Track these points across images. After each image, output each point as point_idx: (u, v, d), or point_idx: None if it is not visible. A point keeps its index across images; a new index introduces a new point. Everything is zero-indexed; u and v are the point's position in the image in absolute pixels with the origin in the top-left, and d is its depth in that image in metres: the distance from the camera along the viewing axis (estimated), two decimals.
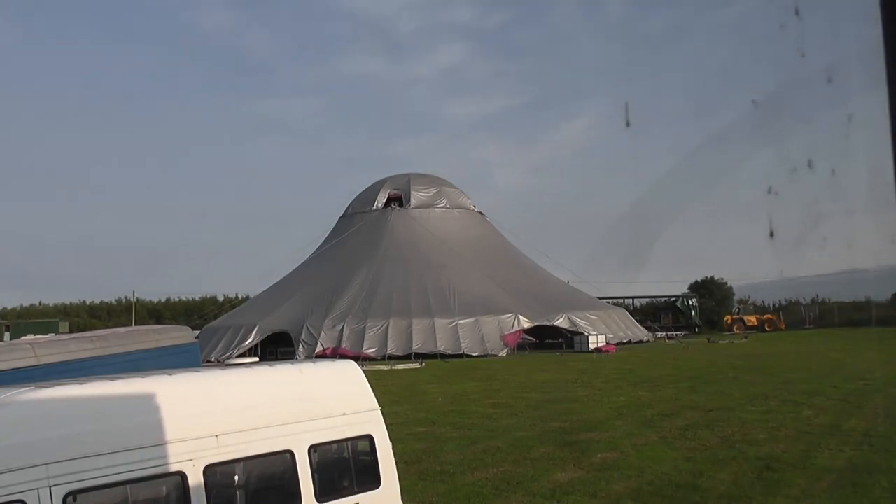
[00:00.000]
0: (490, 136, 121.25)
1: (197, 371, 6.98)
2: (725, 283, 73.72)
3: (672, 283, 69.62)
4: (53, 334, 27.23)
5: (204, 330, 48.60)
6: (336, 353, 40.09)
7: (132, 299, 79.12)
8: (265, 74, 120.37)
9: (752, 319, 64.76)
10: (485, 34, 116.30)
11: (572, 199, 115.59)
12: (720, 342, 50.51)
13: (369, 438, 6.65)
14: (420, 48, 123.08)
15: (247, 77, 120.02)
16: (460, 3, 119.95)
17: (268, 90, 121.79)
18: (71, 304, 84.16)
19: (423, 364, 37.86)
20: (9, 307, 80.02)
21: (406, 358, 40.89)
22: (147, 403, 5.52)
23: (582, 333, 46.00)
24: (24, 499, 4.63)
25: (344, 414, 6.51)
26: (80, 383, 5.54)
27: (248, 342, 46.18)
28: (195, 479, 5.40)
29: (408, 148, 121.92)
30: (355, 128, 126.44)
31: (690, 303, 68.96)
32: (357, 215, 57.52)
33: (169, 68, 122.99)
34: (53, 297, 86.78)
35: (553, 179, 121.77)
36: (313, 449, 6.18)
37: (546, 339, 48.25)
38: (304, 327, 45.08)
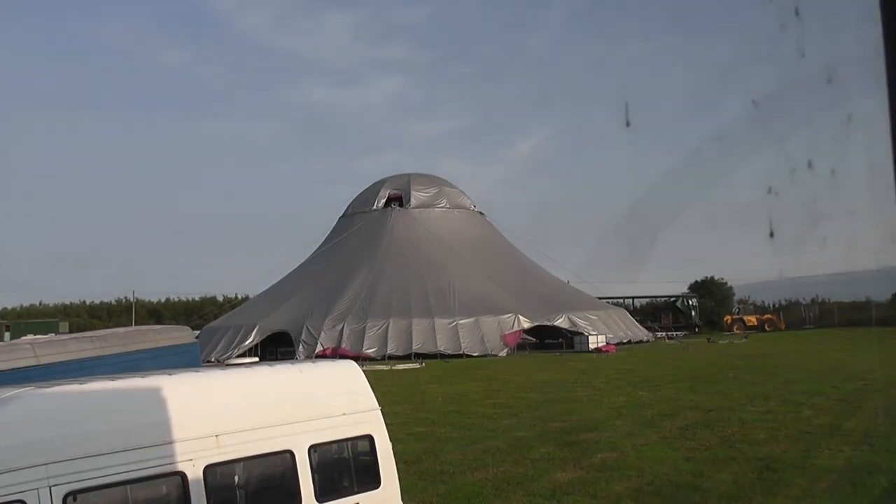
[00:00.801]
0: (451, 152, 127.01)
1: (197, 371, 6.98)
2: (725, 283, 73.71)
3: (672, 283, 69.64)
4: (53, 334, 27.22)
5: (204, 330, 48.58)
6: (336, 353, 40.07)
7: (132, 299, 79.18)
8: (227, 101, 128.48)
9: (752, 319, 64.70)
10: (422, 66, 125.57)
11: (553, 203, 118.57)
12: (720, 342, 50.48)
13: (369, 438, 6.65)
14: (365, 80, 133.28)
15: (209, 101, 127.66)
16: (395, 42, 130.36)
17: (233, 115, 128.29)
18: (71, 304, 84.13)
19: (423, 364, 37.85)
20: (9, 307, 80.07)
21: (406, 358, 40.88)
22: (147, 403, 5.52)
23: (582, 333, 45.98)
24: (25, 499, 4.63)
25: (344, 414, 6.51)
26: (80, 383, 5.54)
27: (248, 342, 46.16)
28: (195, 479, 5.40)
29: (373, 164, 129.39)
30: (319, 147, 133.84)
31: (690, 303, 68.91)
32: (357, 215, 57.50)
33: (147, 87, 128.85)
34: (53, 297, 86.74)
35: (536, 184, 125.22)
36: (313, 449, 6.18)
37: (546, 339, 48.23)
38: (304, 327, 45.07)
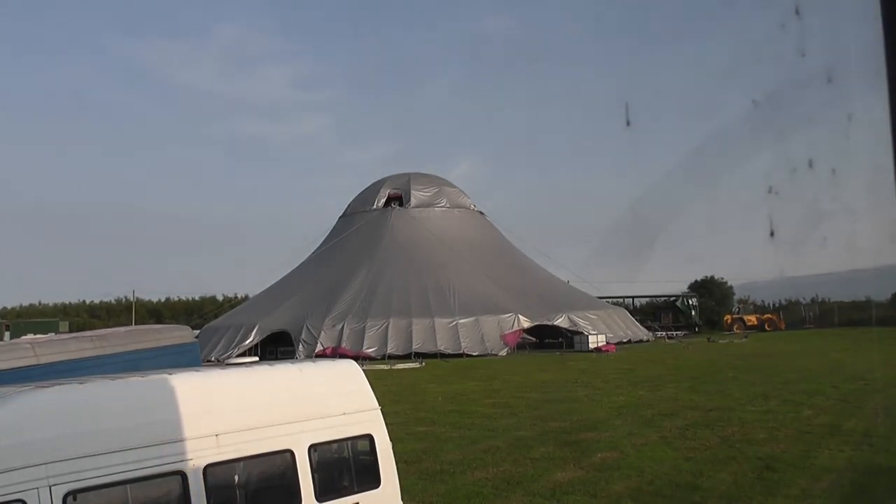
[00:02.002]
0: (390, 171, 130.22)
1: (197, 371, 6.97)
2: (725, 283, 73.73)
3: (672, 282, 69.69)
4: (53, 334, 27.23)
5: (204, 329, 48.59)
6: (336, 353, 40.07)
7: (132, 299, 79.18)
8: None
9: (752, 319, 64.71)
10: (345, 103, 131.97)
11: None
12: (720, 342, 50.49)
13: (369, 438, 6.65)
14: (295, 119, 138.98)
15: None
16: (322, 86, 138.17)
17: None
18: (71, 303, 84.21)
19: (423, 364, 37.85)
20: (9, 307, 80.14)
21: (406, 357, 40.89)
22: (147, 403, 5.52)
23: (582, 333, 45.98)
24: (24, 498, 4.63)
25: (344, 413, 6.51)
26: (80, 383, 5.55)
27: (248, 342, 46.18)
28: (195, 478, 5.40)
29: (330, 181, 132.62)
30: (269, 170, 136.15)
31: (690, 302, 68.92)
32: (357, 215, 57.49)
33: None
34: (53, 297, 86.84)
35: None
36: (313, 448, 6.17)
37: (546, 338, 48.21)
38: (304, 327, 45.06)
